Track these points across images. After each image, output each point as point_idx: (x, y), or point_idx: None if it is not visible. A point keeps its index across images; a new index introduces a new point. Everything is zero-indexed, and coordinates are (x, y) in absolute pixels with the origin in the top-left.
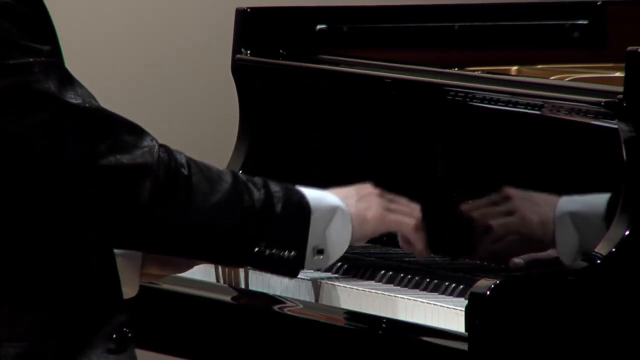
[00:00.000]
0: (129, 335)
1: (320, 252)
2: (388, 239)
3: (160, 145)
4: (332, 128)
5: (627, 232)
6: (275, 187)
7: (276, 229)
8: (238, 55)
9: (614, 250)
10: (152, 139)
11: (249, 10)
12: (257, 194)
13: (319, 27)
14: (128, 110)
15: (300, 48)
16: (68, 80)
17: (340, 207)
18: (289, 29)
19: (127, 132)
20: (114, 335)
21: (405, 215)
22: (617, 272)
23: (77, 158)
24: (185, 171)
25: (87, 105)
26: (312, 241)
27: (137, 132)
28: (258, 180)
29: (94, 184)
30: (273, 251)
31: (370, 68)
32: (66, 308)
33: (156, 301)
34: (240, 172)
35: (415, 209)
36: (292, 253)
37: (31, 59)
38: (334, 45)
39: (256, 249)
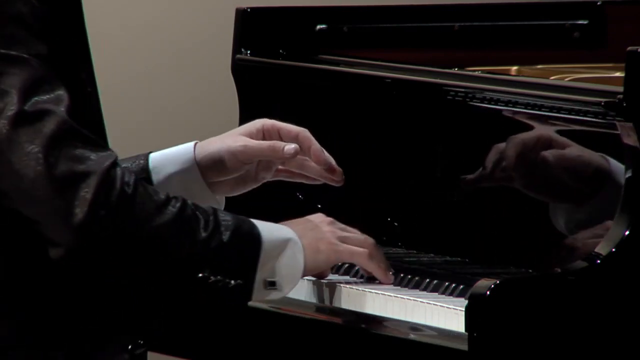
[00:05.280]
0: (144, 347)
1: (272, 284)
2: (388, 239)
3: (113, 163)
4: (332, 128)
5: (627, 232)
6: (225, 217)
7: (222, 257)
8: (238, 55)
9: (614, 250)
10: (107, 156)
11: (249, 10)
12: (204, 222)
13: (319, 27)
14: (128, 110)
15: (300, 48)
16: (41, 83)
17: (292, 239)
18: (289, 29)
19: (84, 143)
20: (129, 346)
21: (358, 243)
22: (617, 272)
23: (22, 158)
24: (129, 190)
25: (50, 109)
26: (263, 272)
27: (94, 146)
28: (208, 208)
29: (37, 188)
30: (218, 278)
31: (370, 68)
32: (83, 316)
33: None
34: None
35: (367, 237)
36: (238, 282)
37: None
38: (334, 45)
39: (200, 275)
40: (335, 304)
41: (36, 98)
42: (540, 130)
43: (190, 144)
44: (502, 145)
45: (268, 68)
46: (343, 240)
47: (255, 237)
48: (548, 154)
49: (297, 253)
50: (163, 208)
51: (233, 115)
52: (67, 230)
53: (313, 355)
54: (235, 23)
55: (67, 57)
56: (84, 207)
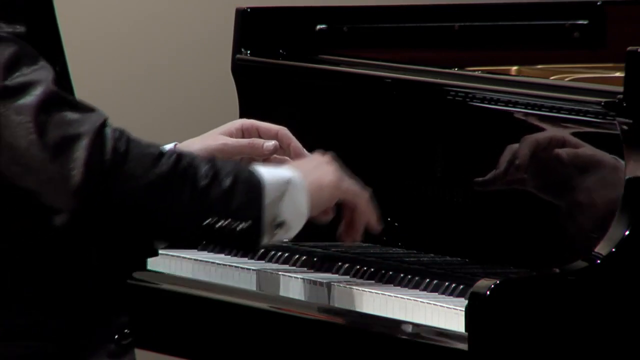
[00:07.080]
0: (130, 337)
1: (281, 225)
2: (388, 239)
3: (104, 123)
4: (332, 128)
5: (627, 232)
6: (223, 164)
7: (226, 202)
8: (238, 55)
9: (614, 250)
10: (97, 115)
11: (249, 10)
12: (203, 171)
13: (319, 27)
14: (127, 111)
15: (300, 48)
16: (22, 57)
17: (293, 178)
18: (289, 29)
19: (71, 107)
20: (116, 337)
21: (360, 186)
22: (617, 272)
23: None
24: (122, 146)
25: (34, 80)
26: (269, 215)
27: (82, 109)
28: (205, 158)
29: (32, 156)
30: (225, 223)
31: (370, 68)
32: (65, 307)
33: (157, 302)
34: None
35: (365, 187)
36: (247, 224)
37: None
38: (334, 45)
39: (205, 222)
40: (335, 304)
41: (18, 72)
42: (552, 130)
43: (170, 145)
44: (515, 146)
45: (268, 68)
46: (346, 179)
47: (255, 181)
48: (563, 152)
49: (301, 192)
50: (157, 161)
51: (233, 115)
52: (66, 193)
53: (313, 355)
54: (235, 23)
55: (40, 51)
56: (80, 168)
